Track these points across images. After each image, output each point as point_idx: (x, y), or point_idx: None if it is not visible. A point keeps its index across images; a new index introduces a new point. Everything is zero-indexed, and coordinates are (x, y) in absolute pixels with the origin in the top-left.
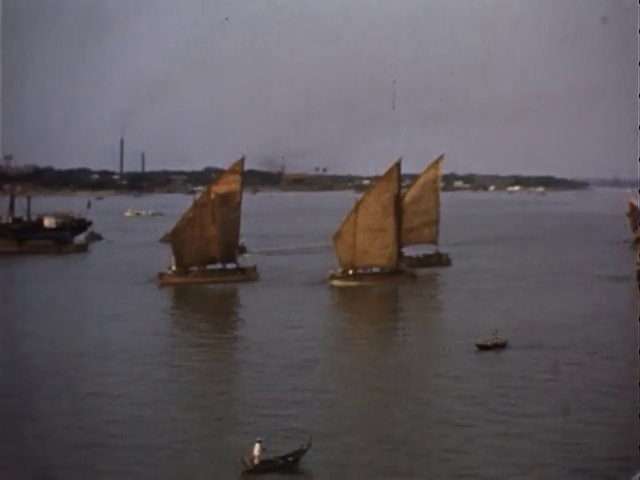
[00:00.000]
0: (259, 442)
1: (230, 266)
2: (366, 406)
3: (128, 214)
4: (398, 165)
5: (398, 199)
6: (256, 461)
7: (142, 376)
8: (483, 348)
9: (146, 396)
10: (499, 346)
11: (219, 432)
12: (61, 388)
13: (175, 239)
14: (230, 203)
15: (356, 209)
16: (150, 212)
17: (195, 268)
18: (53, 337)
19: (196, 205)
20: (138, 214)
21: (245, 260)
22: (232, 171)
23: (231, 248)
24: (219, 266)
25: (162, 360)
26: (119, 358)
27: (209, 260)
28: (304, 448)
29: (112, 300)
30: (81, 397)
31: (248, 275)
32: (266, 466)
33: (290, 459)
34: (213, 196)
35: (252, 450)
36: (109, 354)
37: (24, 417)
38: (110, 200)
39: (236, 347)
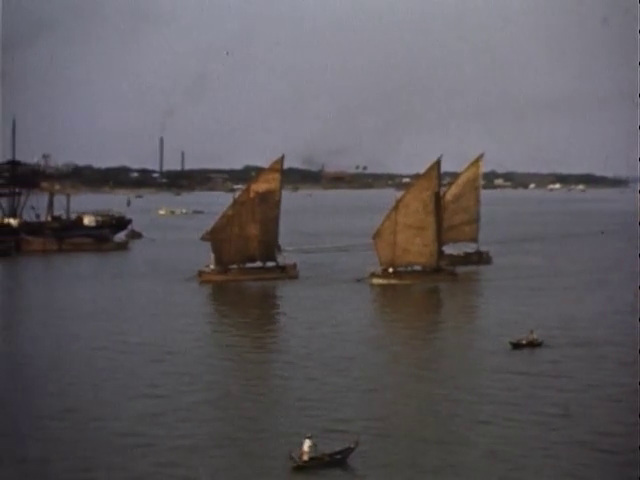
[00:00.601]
0: (309, 438)
1: (270, 264)
2: (401, 405)
3: (162, 212)
4: (438, 163)
5: (438, 197)
6: (305, 457)
7: (185, 374)
8: (517, 347)
9: (189, 394)
10: (534, 345)
11: (265, 429)
12: (107, 386)
13: (215, 237)
14: (269, 201)
15: (396, 207)
16: (184, 210)
17: (234, 266)
18: (94, 335)
19: (236, 203)
20: (172, 212)
21: (284, 258)
22: (272, 169)
23: (271, 246)
24: (258, 264)
25: (203, 358)
26: (162, 357)
27: (248, 258)
28: (352, 446)
29: (151, 298)
30: (131, 397)
31: (288, 273)
32: (315, 463)
33: (338, 457)
34: (253, 194)
35: (301, 446)
36: (151, 353)
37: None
38: (150, 198)
39: (277, 345)
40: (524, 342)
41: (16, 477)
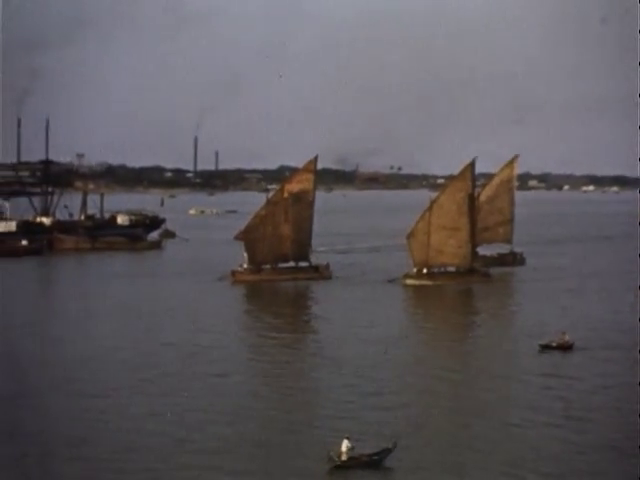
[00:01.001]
0: (347, 438)
1: (302, 264)
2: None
3: (192, 212)
4: (472, 164)
5: (472, 198)
6: (343, 457)
7: (219, 374)
8: (547, 348)
9: (225, 393)
10: (565, 347)
11: (302, 428)
12: (141, 384)
13: (248, 237)
14: (303, 201)
15: (430, 208)
16: (214, 210)
17: (267, 266)
18: (129, 334)
19: (269, 203)
20: (202, 212)
21: (316, 259)
22: (305, 170)
23: (304, 246)
24: (291, 264)
25: (238, 358)
26: (197, 357)
27: (282, 258)
28: (390, 447)
29: (184, 298)
30: (163, 394)
31: (321, 273)
32: (353, 463)
33: (376, 458)
34: (286, 194)
35: (340, 446)
36: (184, 352)
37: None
38: (183, 198)
39: (312, 345)
40: (554, 344)
41: None
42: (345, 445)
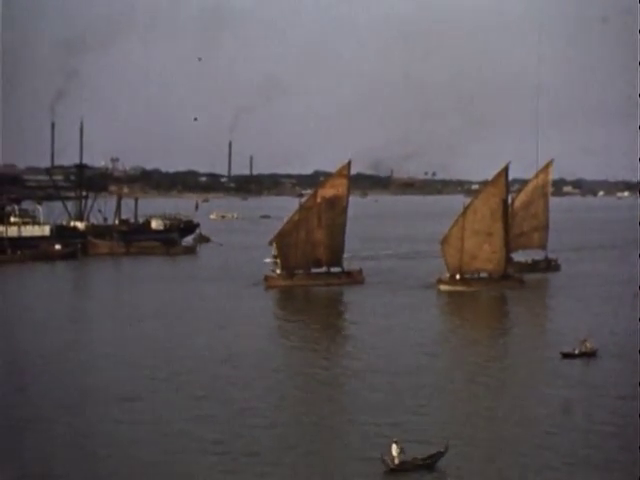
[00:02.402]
0: (395, 442)
1: (335, 269)
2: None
3: (212, 217)
4: (506, 169)
5: (506, 204)
6: (396, 461)
7: (252, 381)
8: (568, 356)
9: (259, 400)
10: (588, 354)
11: (345, 433)
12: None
13: (281, 242)
14: (336, 207)
15: (464, 213)
16: (235, 215)
17: (300, 271)
18: (164, 339)
19: (302, 208)
20: (223, 217)
21: (350, 264)
22: (339, 175)
23: (337, 251)
24: (324, 269)
25: (272, 364)
26: (230, 362)
27: (315, 263)
28: (442, 451)
29: (217, 303)
30: (196, 399)
31: (354, 278)
32: (406, 466)
33: (428, 461)
34: (319, 199)
35: (390, 450)
36: (219, 358)
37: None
38: (216, 203)
39: (346, 351)
40: (576, 352)
41: None
42: (395, 449)
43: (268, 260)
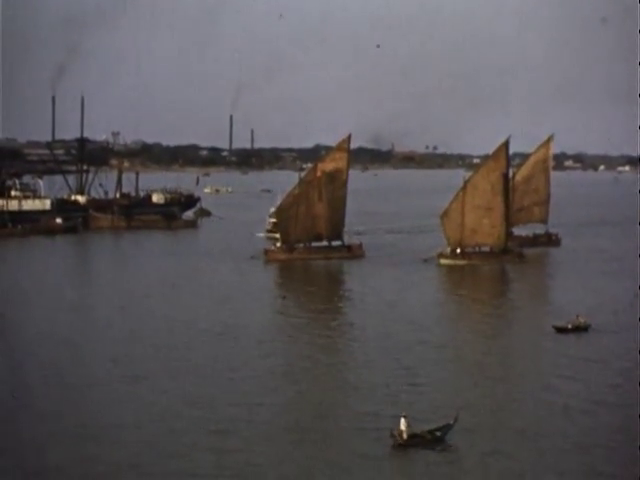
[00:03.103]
0: (404, 417)
1: (335, 243)
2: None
3: (207, 190)
4: (507, 144)
5: (506, 178)
6: (404, 435)
7: (254, 355)
8: (561, 331)
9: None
10: (581, 329)
11: (350, 408)
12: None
13: (281, 216)
14: (336, 181)
15: (464, 188)
16: (229, 189)
17: (300, 245)
18: (164, 314)
19: (302, 182)
20: (217, 191)
21: (349, 238)
22: (339, 148)
23: (337, 225)
24: (324, 243)
25: (273, 338)
26: (229, 336)
27: (315, 237)
28: (451, 423)
29: (218, 277)
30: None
31: (354, 253)
32: (416, 440)
33: (438, 434)
34: (319, 173)
35: (399, 424)
36: (219, 332)
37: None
38: (217, 177)
39: (346, 325)
40: (569, 326)
41: None
42: (403, 423)
43: (261, 235)
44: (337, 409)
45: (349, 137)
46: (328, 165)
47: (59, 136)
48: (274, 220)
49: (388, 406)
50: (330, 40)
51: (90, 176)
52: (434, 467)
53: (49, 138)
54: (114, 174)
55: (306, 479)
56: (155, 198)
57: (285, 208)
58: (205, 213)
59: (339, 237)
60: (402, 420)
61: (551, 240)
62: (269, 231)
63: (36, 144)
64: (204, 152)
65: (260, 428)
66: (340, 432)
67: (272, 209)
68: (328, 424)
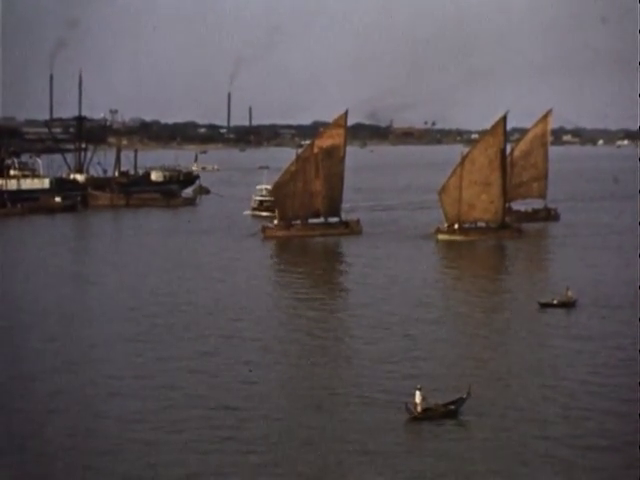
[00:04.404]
0: (419, 389)
1: (333, 220)
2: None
3: (194, 168)
4: (504, 119)
5: (504, 153)
6: (419, 408)
7: (258, 330)
8: (547, 306)
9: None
10: (567, 304)
11: (355, 384)
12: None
13: (278, 193)
14: (334, 157)
15: (462, 163)
16: (215, 167)
17: (298, 222)
18: (164, 291)
19: (299, 159)
20: (204, 168)
21: (348, 215)
22: (336, 124)
23: (335, 202)
24: (321, 220)
25: (272, 314)
26: (226, 314)
27: (312, 214)
28: (464, 397)
29: (216, 255)
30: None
31: (351, 229)
32: (430, 413)
33: (452, 407)
34: (316, 150)
35: (413, 397)
36: (216, 310)
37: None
38: (214, 154)
39: (344, 301)
40: (555, 302)
41: None
42: (418, 396)
43: (247, 212)
44: (347, 384)
45: (346, 113)
46: (325, 141)
47: (57, 114)
48: (260, 198)
49: (397, 381)
50: (328, 16)
51: (89, 154)
52: (448, 440)
53: (47, 116)
54: (113, 152)
55: (325, 447)
56: (154, 176)
57: (282, 185)
58: (204, 191)
59: (337, 213)
60: (417, 393)
61: (550, 215)
62: (254, 209)
63: (34, 122)
64: (202, 130)
65: (271, 402)
66: (352, 406)
67: (258, 187)
68: (339, 399)
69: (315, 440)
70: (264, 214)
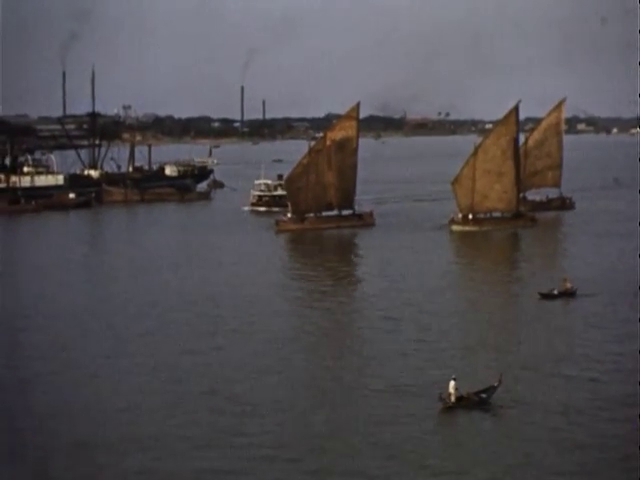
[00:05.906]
0: (454, 379)
1: (346, 212)
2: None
3: (207, 160)
4: (517, 108)
5: (517, 142)
6: (452, 398)
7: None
8: (547, 297)
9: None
10: (568, 294)
11: (379, 375)
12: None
13: (291, 186)
14: (346, 149)
15: (475, 153)
16: (215, 161)
17: (311, 214)
18: (170, 286)
19: (311, 151)
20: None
21: (361, 207)
22: (348, 116)
23: (348, 194)
24: (335, 212)
25: (284, 309)
26: (232, 306)
27: (325, 206)
28: (496, 385)
29: (231, 249)
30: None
31: (365, 221)
32: (463, 403)
33: (484, 396)
34: (329, 142)
35: (447, 387)
36: (224, 302)
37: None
38: (227, 148)
39: (359, 294)
40: (555, 292)
41: None
42: (452, 386)
43: (246, 208)
44: (372, 374)
45: (358, 105)
46: (337, 134)
47: (70, 111)
48: (259, 193)
49: (422, 371)
50: (340, 8)
51: (102, 150)
52: (482, 428)
53: (60, 113)
54: (126, 148)
55: (364, 433)
56: (168, 171)
57: (295, 178)
58: (218, 185)
59: (350, 206)
60: (451, 382)
61: (565, 204)
62: (253, 204)
63: (47, 119)
64: (216, 124)
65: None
66: (384, 395)
67: (256, 182)
68: (362, 391)
69: (351, 430)
70: (263, 209)
